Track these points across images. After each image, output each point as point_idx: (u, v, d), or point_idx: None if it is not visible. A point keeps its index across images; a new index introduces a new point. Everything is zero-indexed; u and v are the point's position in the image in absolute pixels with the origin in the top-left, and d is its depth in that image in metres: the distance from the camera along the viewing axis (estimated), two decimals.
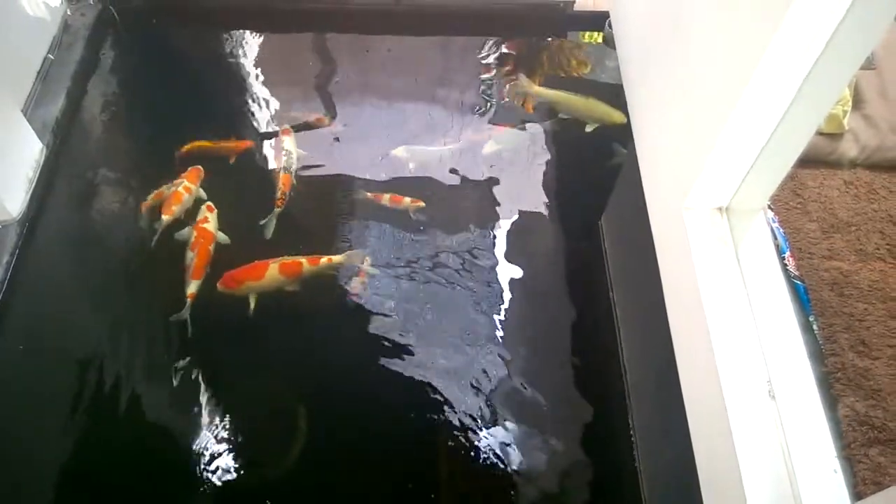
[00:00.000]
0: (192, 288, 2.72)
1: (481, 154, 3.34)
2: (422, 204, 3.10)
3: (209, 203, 3.01)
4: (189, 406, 2.52)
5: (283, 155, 3.19)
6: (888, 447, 1.74)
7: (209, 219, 2.92)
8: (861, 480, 1.69)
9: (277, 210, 2.99)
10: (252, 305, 2.69)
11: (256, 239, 2.93)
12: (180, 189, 2.98)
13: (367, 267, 2.88)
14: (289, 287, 2.75)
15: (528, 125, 3.49)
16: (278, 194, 3.03)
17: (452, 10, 3.87)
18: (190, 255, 2.80)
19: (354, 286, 2.85)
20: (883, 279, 2.03)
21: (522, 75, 3.52)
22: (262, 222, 2.96)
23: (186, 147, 3.19)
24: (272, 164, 3.26)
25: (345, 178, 3.24)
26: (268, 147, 3.35)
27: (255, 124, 3.47)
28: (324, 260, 2.80)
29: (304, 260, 2.77)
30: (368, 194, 3.14)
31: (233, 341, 2.71)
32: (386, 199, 3.10)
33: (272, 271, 2.72)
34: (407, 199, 3.10)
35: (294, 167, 3.17)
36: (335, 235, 3.02)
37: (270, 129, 3.43)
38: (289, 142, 3.26)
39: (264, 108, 3.54)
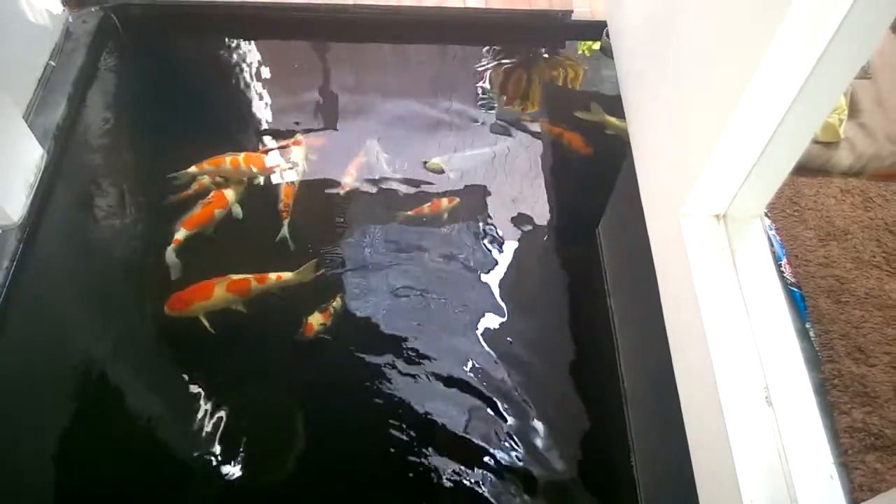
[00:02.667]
0: (180, 235, 2.85)
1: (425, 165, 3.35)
2: (458, 200, 3.15)
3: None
4: (189, 409, 2.52)
5: (289, 165, 3.18)
6: (885, 454, 1.74)
7: (231, 187, 3.06)
8: (858, 487, 1.69)
9: (286, 221, 3.00)
10: (206, 325, 2.65)
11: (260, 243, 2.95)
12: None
13: (335, 305, 2.78)
14: (236, 306, 2.72)
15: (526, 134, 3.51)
16: (281, 206, 3.03)
17: (451, 19, 3.89)
18: (195, 208, 2.94)
19: (311, 323, 2.71)
20: (879, 286, 2.04)
21: (594, 104, 3.47)
22: (278, 238, 2.97)
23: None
24: (278, 173, 3.26)
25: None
26: (276, 153, 3.34)
27: (254, 132, 3.48)
28: (272, 277, 2.76)
29: (252, 278, 2.74)
30: (409, 212, 3.12)
31: (233, 345, 2.71)
32: (426, 209, 3.12)
33: (220, 291, 2.69)
34: (444, 201, 3.14)
35: (299, 178, 3.16)
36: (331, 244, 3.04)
37: (271, 134, 3.45)
38: (297, 152, 3.25)
39: (264, 115, 3.55)
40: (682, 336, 2.10)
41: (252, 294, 2.74)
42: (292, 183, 3.16)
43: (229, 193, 3.04)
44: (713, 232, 2.05)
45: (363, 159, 3.31)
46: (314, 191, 3.21)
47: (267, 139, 3.42)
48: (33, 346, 2.67)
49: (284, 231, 2.98)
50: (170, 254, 2.83)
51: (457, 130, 3.51)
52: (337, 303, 2.80)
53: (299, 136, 3.37)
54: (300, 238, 3.02)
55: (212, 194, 3.03)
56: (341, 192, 3.18)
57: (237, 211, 3.05)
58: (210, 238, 2.94)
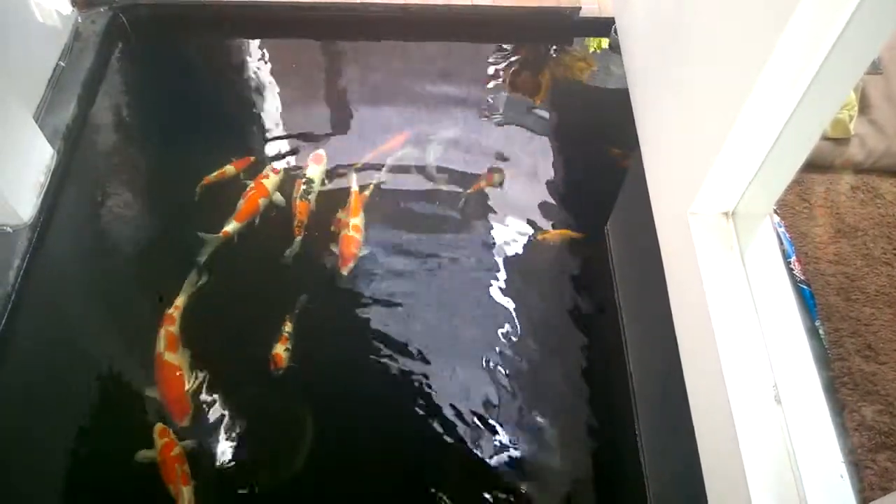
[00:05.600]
0: (229, 227, 2.91)
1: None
2: (502, 167, 3.29)
3: (275, 167, 3.19)
4: (196, 409, 2.53)
5: (303, 182, 3.11)
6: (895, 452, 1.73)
7: (269, 176, 3.11)
8: (868, 486, 1.68)
9: (298, 238, 2.96)
10: (200, 378, 2.59)
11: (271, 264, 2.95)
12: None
13: (288, 330, 2.70)
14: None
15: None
16: (296, 222, 2.99)
17: (459, 16, 3.89)
18: (241, 201, 2.99)
19: (277, 354, 2.62)
20: (890, 284, 2.03)
21: None
22: (287, 253, 2.92)
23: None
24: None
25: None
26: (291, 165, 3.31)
27: (262, 131, 3.48)
28: (172, 312, 2.68)
29: (166, 328, 2.63)
30: (471, 190, 3.19)
31: (238, 346, 2.72)
32: (483, 184, 3.22)
33: (171, 360, 2.56)
34: (495, 175, 3.25)
35: (314, 195, 3.09)
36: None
37: (277, 138, 3.45)
38: (314, 169, 3.18)
39: (273, 116, 3.56)
40: (690, 334, 2.10)
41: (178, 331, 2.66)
42: (306, 200, 3.06)
43: (268, 182, 3.07)
44: (722, 229, 2.04)
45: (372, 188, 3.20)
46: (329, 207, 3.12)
47: (279, 148, 3.39)
48: (43, 344, 2.68)
49: (296, 248, 2.93)
50: (213, 239, 2.88)
51: (465, 129, 3.50)
52: (287, 326, 2.70)
53: (320, 152, 3.26)
54: (309, 247, 2.98)
55: (252, 184, 3.06)
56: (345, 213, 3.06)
57: (279, 198, 3.07)
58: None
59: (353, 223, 2.98)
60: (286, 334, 2.69)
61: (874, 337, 1.91)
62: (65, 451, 2.44)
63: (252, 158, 3.22)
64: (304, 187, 3.10)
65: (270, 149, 3.38)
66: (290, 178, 3.18)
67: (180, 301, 2.73)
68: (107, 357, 2.67)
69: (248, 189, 3.06)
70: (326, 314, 2.84)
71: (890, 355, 1.88)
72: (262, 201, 3.03)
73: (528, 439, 2.54)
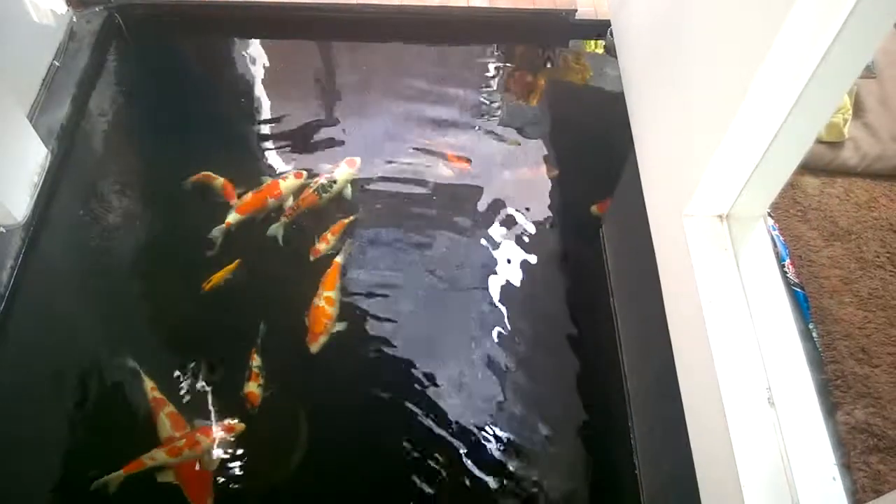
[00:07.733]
0: (231, 218, 2.92)
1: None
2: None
3: (301, 171, 3.18)
4: (191, 408, 2.52)
5: (324, 177, 3.12)
6: (888, 455, 1.73)
7: (287, 178, 3.11)
8: (860, 488, 1.68)
9: (284, 220, 2.97)
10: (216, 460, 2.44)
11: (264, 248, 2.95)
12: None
13: (257, 364, 2.58)
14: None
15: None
16: (293, 205, 3.01)
17: (456, 18, 3.89)
18: (249, 194, 3.01)
19: (251, 393, 2.52)
20: (883, 287, 2.03)
21: None
22: (269, 232, 2.95)
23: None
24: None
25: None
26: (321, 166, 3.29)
27: (256, 133, 3.47)
28: (154, 394, 2.51)
29: (164, 410, 2.46)
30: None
31: (237, 348, 2.71)
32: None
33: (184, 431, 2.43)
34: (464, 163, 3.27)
35: (328, 196, 3.08)
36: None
37: (270, 141, 3.44)
38: (343, 170, 3.18)
39: (268, 115, 3.55)
40: (684, 336, 2.10)
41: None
42: (318, 194, 3.06)
43: (284, 185, 3.06)
44: (716, 232, 2.04)
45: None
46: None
47: (271, 152, 3.39)
48: (36, 345, 2.68)
49: (279, 229, 2.95)
50: (215, 232, 2.90)
51: (461, 131, 3.50)
52: (255, 361, 2.59)
53: (356, 159, 3.24)
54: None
55: (266, 182, 3.07)
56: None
57: (290, 202, 3.05)
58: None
59: (327, 295, 2.75)
60: (255, 370, 2.56)
61: (867, 340, 1.91)
62: (58, 451, 2.44)
63: (245, 196, 3.04)
64: (322, 182, 3.09)
65: (264, 151, 3.37)
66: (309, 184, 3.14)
67: (151, 384, 2.53)
68: (100, 357, 2.66)
69: (262, 184, 3.06)
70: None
71: (883, 358, 1.88)
72: (271, 201, 3.02)
73: (521, 441, 2.54)
